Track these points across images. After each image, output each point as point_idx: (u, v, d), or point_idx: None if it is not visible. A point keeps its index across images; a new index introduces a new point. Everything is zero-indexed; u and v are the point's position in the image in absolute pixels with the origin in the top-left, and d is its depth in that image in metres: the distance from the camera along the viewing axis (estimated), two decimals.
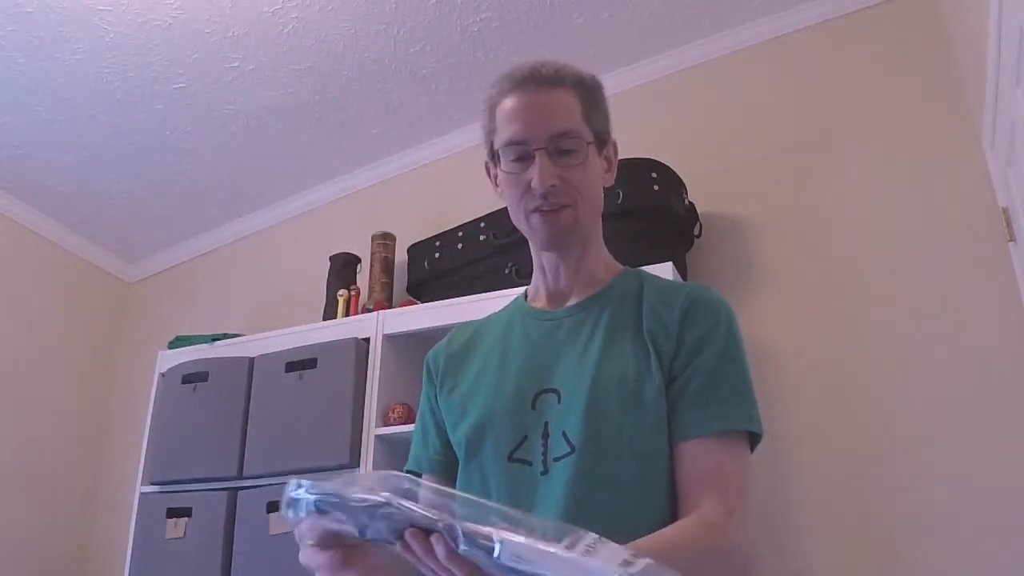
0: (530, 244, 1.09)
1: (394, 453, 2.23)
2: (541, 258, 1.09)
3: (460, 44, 2.46)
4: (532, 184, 0.98)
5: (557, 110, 1.00)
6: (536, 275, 1.11)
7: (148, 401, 2.59)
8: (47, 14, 2.25)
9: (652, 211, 2.08)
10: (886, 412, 1.93)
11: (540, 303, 1.10)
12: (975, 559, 1.72)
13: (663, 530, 0.85)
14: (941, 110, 2.10)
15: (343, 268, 2.65)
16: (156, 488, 2.44)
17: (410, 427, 2.15)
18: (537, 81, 1.01)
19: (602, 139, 1.05)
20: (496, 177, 1.07)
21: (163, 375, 2.59)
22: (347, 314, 2.50)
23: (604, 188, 1.07)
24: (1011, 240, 1.82)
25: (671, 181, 2.17)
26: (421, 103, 2.71)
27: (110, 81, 2.52)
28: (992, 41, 1.55)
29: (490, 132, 1.05)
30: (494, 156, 1.06)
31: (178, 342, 2.68)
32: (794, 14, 2.38)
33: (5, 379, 2.93)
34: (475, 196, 2.43)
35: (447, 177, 2.84)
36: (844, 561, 1.87)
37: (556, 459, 0.93)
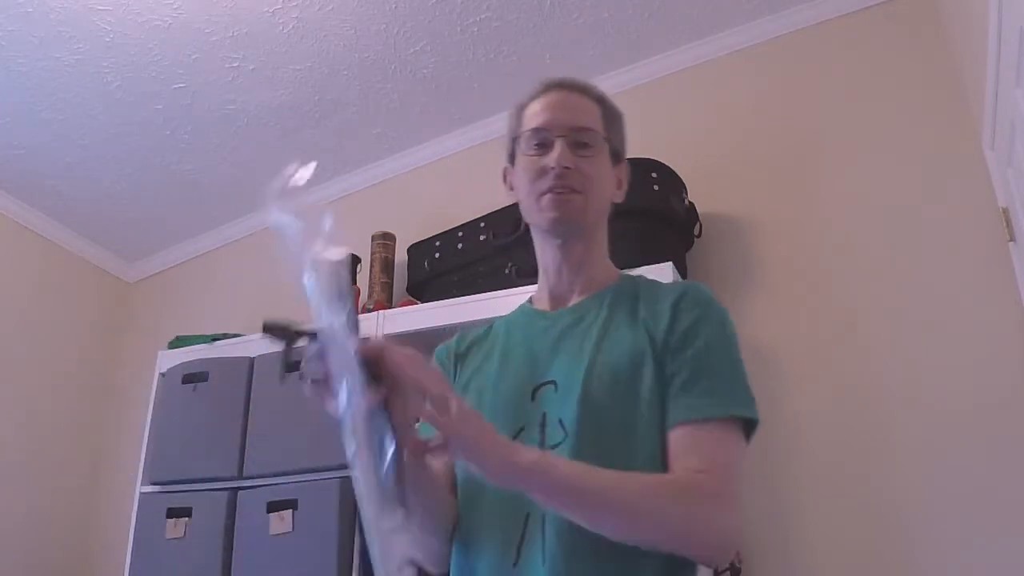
0: (534, 240, 1.14)
1: None
2: (545, 256, 1.13)
3: (460, 44, 2.46)
4: (548, 165, 1.05)
5: (580, 109, 1.10)
6: (540, 279, 1.15)
7: (148, 401, 2.59)
8: (47, 14, 2.25)
9: (652, 211, 2.08)
10: (886, 412, 1.93)
11: (543, 305, 1.14)
12: (976, 554, 1.73)
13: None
14: (941, 110, 2.10)
15: None
16: (156, 488, 2.44)
17: None
18: (564, 86, 1.12)
19: (617, 154, 1.13)
20: (511, 178, 1.14)
21: (163, 375, 2.59)
22: None
23: (611, 202, 1.13)
24: (1011, 240, 1.82)
25: (671, 181, 2.17)
26: (421, 103, 2.71)
27: (110, 81, 2.52)
28: (992, 41, 1.55)
29: (514, 131, 1.13)
30: (513, 154, 1.13)
31: (178, 342, 2.68)
32: (794, 14, 2.38)
33: (5, 379, 2.93)
34: (475, 196, 2.43)
35: (447, 177, 2.84)
36: (846, 558, 1.87)
37: (553, 447, 0.94)
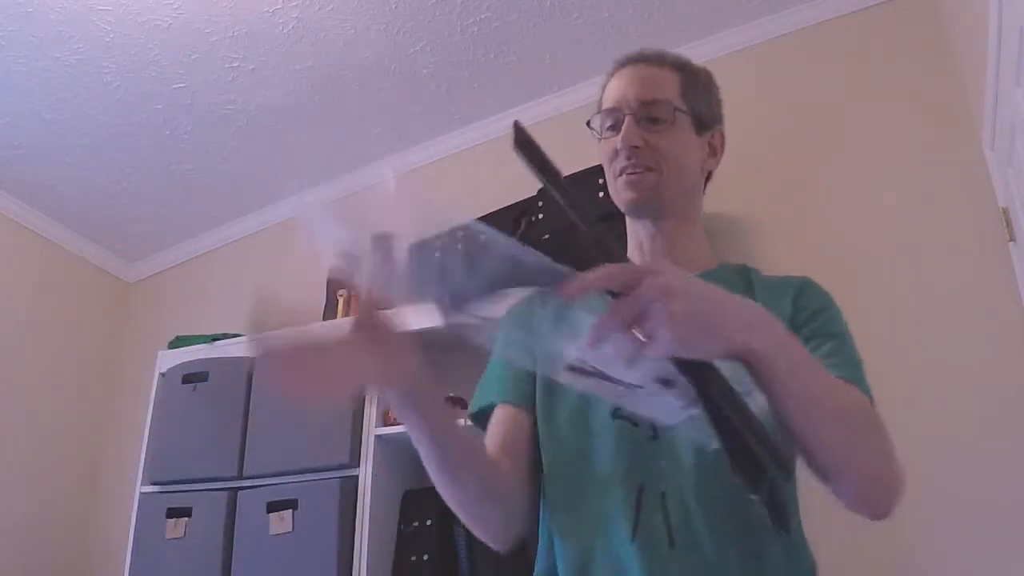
0: (627, 224, 1.09)
1: (394, 453, 2.23)
2: (635, 239, 1.07)
3: (460, 44, 2.46)
4: (618, 147, 1.00)
5: (651, 81, 1.03)
6: (631, 252, 1.09)
7: (148, 401, 2.59)
8: (47, 14, 2.25)
9: None
10: (886, 412, 1.91)
11: None
12: (976, 554, 1.73)
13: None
14: (941, 110, 2.10)
15: None
16: (156, 488, 2.44)
17: None
18: (639, 59, 1.05)
19: (704, 121, 1.06)
20: None
21: (163, 375, 2.59)
22: (347, 314, 2.49)
23: (703, 172, 1.07)
24: (1011, 240, 1.82)
25: None
26: (421, 103, 2.71)
27: (110, 81, 2.52)
28: (992, 41, 1.55)
29: (598, 112, 1.08)
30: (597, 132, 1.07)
31: (178, 342, 2.68)
32: (794, 14, 2.38)
33: (5, 379, 2.93)
34: (475, 196, 2.43)
35: (447, 177, 2.84)
36: (845, 559, 1.86)
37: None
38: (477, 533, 0.94)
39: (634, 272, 0.62)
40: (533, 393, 1.00)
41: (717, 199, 2.30)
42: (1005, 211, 1.83)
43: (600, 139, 1.05)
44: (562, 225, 2.08)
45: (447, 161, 2.88)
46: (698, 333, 0.62)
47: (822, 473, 0.77)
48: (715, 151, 1.09)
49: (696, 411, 0.66)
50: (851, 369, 0.91)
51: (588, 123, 1.07)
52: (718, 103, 1.09)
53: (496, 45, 2.46)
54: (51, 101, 2.59)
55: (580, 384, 0.69)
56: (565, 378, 0.69)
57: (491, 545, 0.95)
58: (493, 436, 0.97)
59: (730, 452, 0.66)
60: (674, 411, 0.67)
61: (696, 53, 2.53)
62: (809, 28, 2.36)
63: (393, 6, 2.31)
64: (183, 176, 2.99)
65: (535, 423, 0.99)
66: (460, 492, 0.88)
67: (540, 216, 2.18)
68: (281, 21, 2.34)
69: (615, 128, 1.02)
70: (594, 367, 0.66)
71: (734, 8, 2.38)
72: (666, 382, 0.65)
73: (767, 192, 2.28)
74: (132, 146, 2.82)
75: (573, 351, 0.65)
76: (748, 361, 0.67)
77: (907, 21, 2.22)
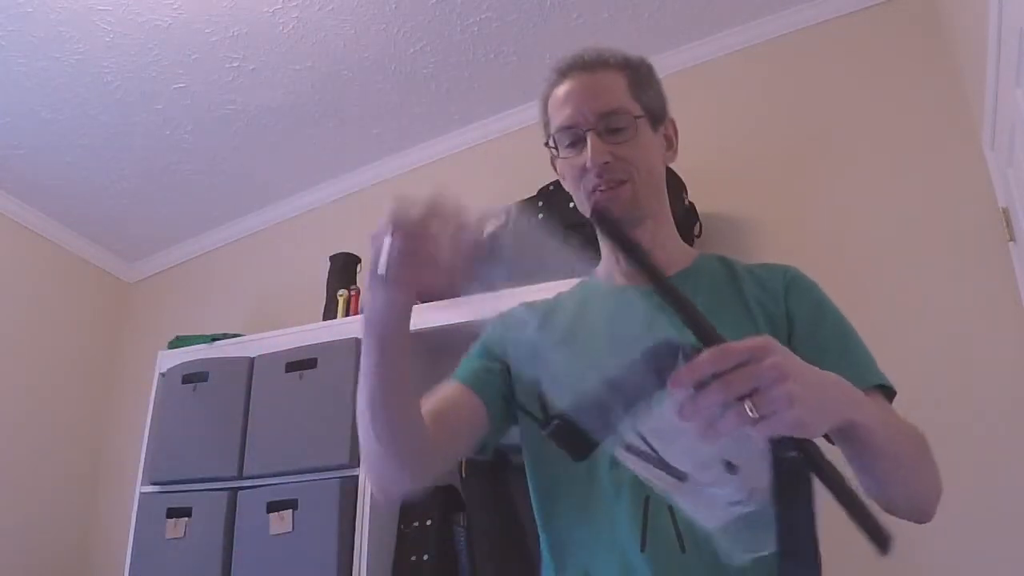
0: (598, 232, 1.07)
1: None
2: (615, 249, 1.06)
3: (460, 44, 2.46)
4: (586, 165, 0.99)
5: (602, 90, 1.01)
6: (607, 263, 1.08)
7: (148, 401, 2.59)
8: (47, 14, 2.25)
9: None
10: None
11: (620, 283, 1.06)
12: (975, 556, 1.72)
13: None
14: (941, 110, 2.10)
15: (343, 268, 2.64)
16: (156, 488, 2.44)
17: None
18: (581, 67, 1.03)
19: (656, 116, 1.05)
20: (560, 169, 1.07)
21: (163, 375, 2.59)
22: (347, 314, 2.49)
23: (666, 166, 1.08)
24: (1011, 240, 1.82)
25: (671, 181, 2.15)
26: (421, 103, 2.71)
27: (110, 81, 2.52)
28: (992, 41, 1.55)
29: (546, 125, 1.06)
30: (554, 147, 1.06)
31: (178, 342, 2.68)
32: (794, 14, 2.38)
33: (5, 379, 2.93)
34: (475, 196, 2.43)
35: (447, 177, 2.84)
36: (844, 560, 1.86)
37: None
38: (371, 476, 0.94)
39: (745, 351, 0.62)
40: (496, 390, 1.01)
41: (717, 199, 2.32)
42: (1005, 211, 1.83)
43: (559, 157, 1.04)
44: (562, 226, 2.08)
45: (447, 161, 2.88)
46: (815, 413, 0.63)
47: (889, 508, 0.83)
48: (671, 142, 1.10)
49: (749, 509, 0.66)
50: (871, 372, 0.94)
51: (546, 143, 1.06)
52: (662, 92, 1.09)
53: (496, 45, 2.46)
54: (51, 101, 2.59)
55: (630, 463, 0.68)
56: (620, 455, 0.69)
57: (376, 492, 0.96)
58: (431, 400, 0.97)
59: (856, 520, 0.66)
60: (719, 509, 0.67)
61: (696, 53, 2.55)
62: (809, 28, 2.36)
63: (393, 6, 2.31)
64: (183, 176, 2.99)
65: (484, 412, 0.99)
66: (379, 424, 0.86)
67: (540, 216, 2.19)
68: (281, 21, 2.34)
69: (574, 145, 1.01)
70: (651, 446, 0.66)
71: (734, 8, 2.39)
72: (731, 467, 0.65)
73: (767, 192, 2.28)
74: (132, 146, 2.82)
75: (634, 424, 0.65)
76: (848, 434, 0.73)
77: (907, 21, 2.22)
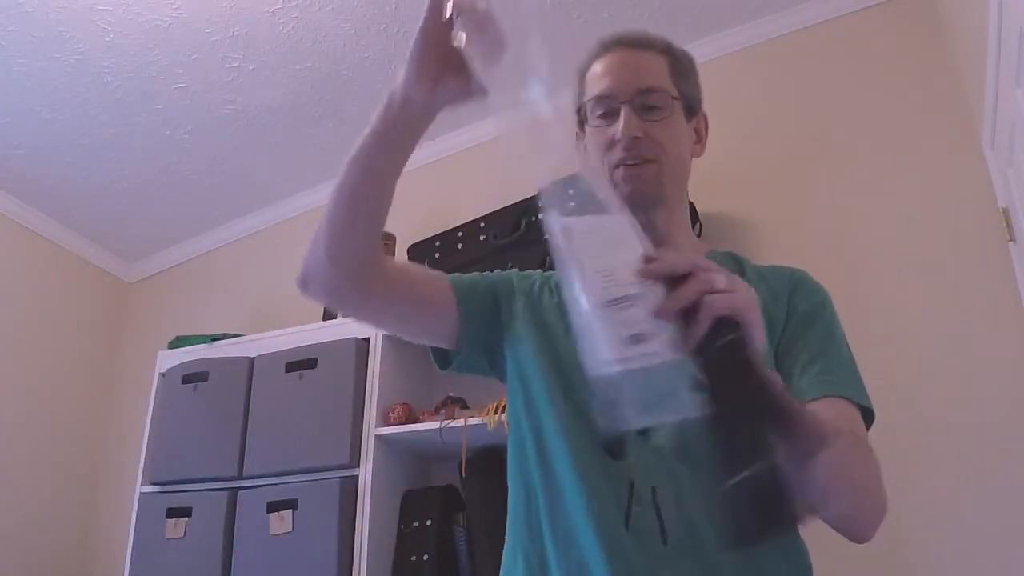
0: None
1: (394, 453, 2.23)
2: None
3: None
4: (616, 137, 0.97)
5: (644, 68, 1.01)
6: None
7: (148, 401, 2.59)
8: (47, 14, 2.25)
9: None
10: (885, 412, 1.91)
11: None
12: (975, 559, 1.72)
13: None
14: (941, 110, 2.10)
15: None
16: (156, 488, 2.44)
17: (410, 427, 2.16)
18: (625, 43, 1.03)
19: (691, 106, 1.04)
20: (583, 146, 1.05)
21: (163, 375, 2.59)
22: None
23: (692, 158, 1.07)
24: (1011, 240, 1.82)
25: None
26: None
27: (110, 81, 2.52)
28: (992, 41, 1.55)
29: (578, 99, 1.04)
30: (582, 122, 1.04)
31: (178, 342, 2.68)
32: (794, 14, 2.38)
33: (5, 379, 2.93)
34: (475, 196, 2.43)
35: (447, 177, 2.84)
36: (844, 561, 1.86)
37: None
38: (308, 254, 0.98)
39: (689, 263, 0.62)
40: (477, 314, 1.00)
41: (717, 199, 2.32)
42: (1005, 211, 1.83)
43: (590, 127, 1.02)
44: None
45: (447, 161, 2.88)
46: (750, 308, 0.62)
47: (820, 515, 0.79)
48: (700, 137, 1.08)
49: (650, 352, 0.58)
50: (851, 386, 0.91)
51: (578, 109, 1.04)
52: (699, 86, 1.08)
53: None
54: (51, 101, 2.59)
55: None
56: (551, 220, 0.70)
57: (302, 271, 0.98)
58: (405, 262, 0.95)
59: (722, 427, 0.59)
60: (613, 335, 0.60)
61: (696, 53, 2.50)
62: (809, 28, 2.36)
63: (393, 6, 2.31)
64: (183, 176, 2.99)
65: (453, 313, 0.99)
66: (342, 199, 0.94)
67: (540, 216, 2.18)
68: (281, 21, 2.34)
69: (607, 116, 0.99)
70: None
71: (734, 8, 2.38)
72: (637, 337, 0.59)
73: (767, 192, 2.28)
74: (132, 146, 2.82)
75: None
76: (782, 420, 0.67)
77: (907, 21, 2.22)
